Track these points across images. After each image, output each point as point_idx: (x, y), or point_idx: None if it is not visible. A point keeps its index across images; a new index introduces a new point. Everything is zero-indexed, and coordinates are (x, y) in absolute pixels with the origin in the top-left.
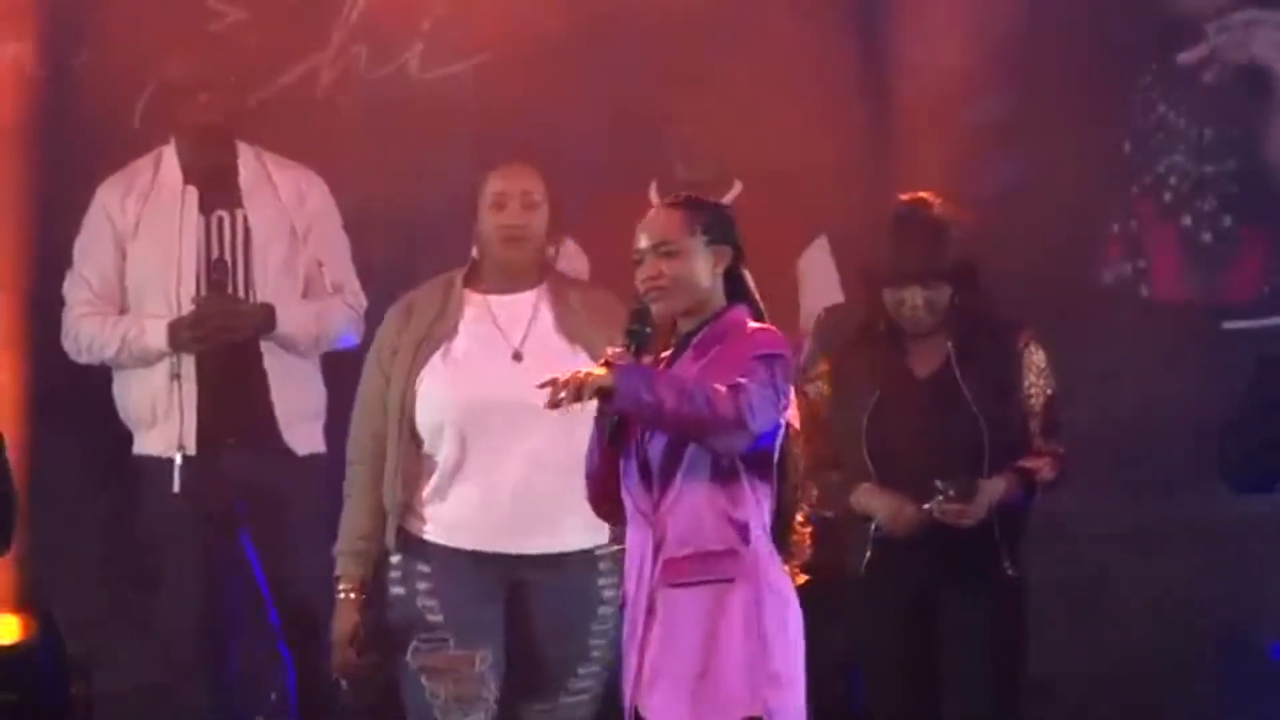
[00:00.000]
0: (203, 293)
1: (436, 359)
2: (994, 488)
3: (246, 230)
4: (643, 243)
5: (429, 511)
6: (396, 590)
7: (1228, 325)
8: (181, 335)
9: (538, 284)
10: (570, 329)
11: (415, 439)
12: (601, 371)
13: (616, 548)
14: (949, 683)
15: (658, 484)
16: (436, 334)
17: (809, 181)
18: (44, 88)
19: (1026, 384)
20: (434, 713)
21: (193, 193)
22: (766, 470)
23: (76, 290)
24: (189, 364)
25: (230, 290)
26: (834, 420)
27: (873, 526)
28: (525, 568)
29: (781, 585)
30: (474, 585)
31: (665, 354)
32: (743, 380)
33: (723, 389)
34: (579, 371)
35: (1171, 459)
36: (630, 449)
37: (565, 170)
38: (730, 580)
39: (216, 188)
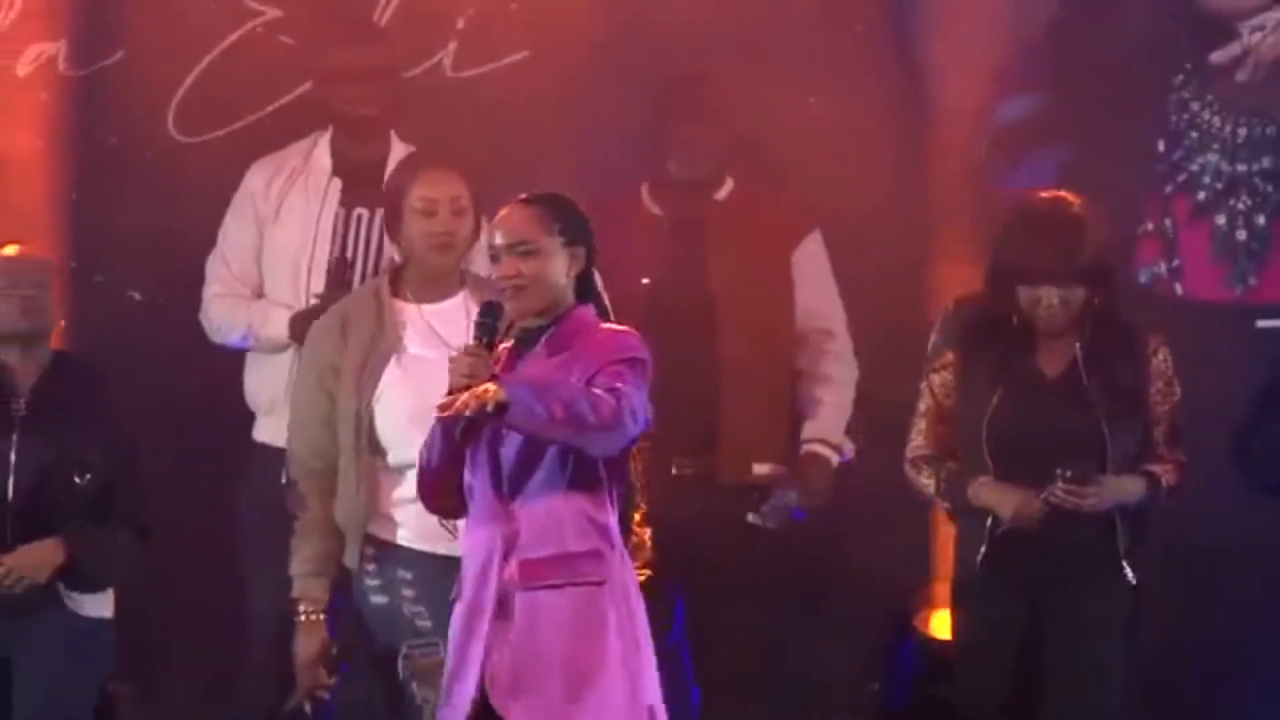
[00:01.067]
0: (326, 288)
1: (392, 370)
2: (1120, 484)
3: (382, 230)
4: (499, 240)
5: (402, 518)
6: (377, 600)
7: (1262, 324)
8: (300, 329)
9: (460, 289)
10: None
11: (378, 451)
12: (495, 387)
13: None
14: (1055, 684)
15: (509, 483)
16: (383, 348)
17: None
18: (78, 87)
19: (1154, 390)
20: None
21: (337, 185)
22: (619, 472)
23: (215, 268)
24: None
25: (351, 289)
26: (956, 412)
27: (989, 522)
28: None
29: (637, 586)
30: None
31: (504, 345)
32: (619, 385)
33: (603, 394)
34: (476, 389)
35: (1205, 458)
36: (479, 446)
37: (592, 170)
38: (600, 583)
39: (362, 183)
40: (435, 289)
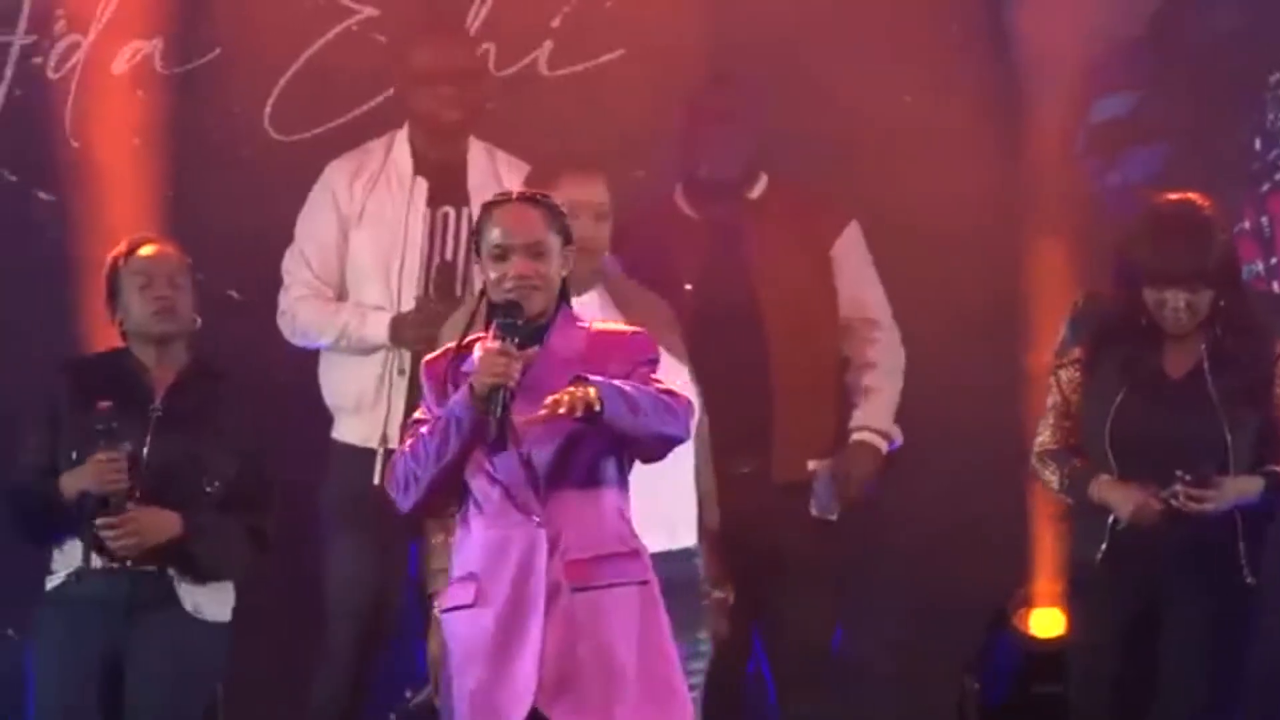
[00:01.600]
0: (428, 292)
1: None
2: (1241, 484)
3: (471, 227)
4: (513, 239)
5: None
6: None
7: None
8: (404, 334)
9: (595, 286)
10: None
11: None
12: (591, 390)
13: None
14: (1165, 682)
15: (547, 483)
16: None
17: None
18: (174, 85)
19: (1277, 391)
20: None
21: (422, 185)
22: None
23: (296, 269)
24: (407, 360)
25: (457, 294)
26: (1081, 410)
27: (1110, 519)
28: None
29: None
30: None
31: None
32: (671, 388)
33: (668, 399)
34: (574, 391)
35: None
36: (503, 440)
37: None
38: (646, 582)
39: (446, 182)
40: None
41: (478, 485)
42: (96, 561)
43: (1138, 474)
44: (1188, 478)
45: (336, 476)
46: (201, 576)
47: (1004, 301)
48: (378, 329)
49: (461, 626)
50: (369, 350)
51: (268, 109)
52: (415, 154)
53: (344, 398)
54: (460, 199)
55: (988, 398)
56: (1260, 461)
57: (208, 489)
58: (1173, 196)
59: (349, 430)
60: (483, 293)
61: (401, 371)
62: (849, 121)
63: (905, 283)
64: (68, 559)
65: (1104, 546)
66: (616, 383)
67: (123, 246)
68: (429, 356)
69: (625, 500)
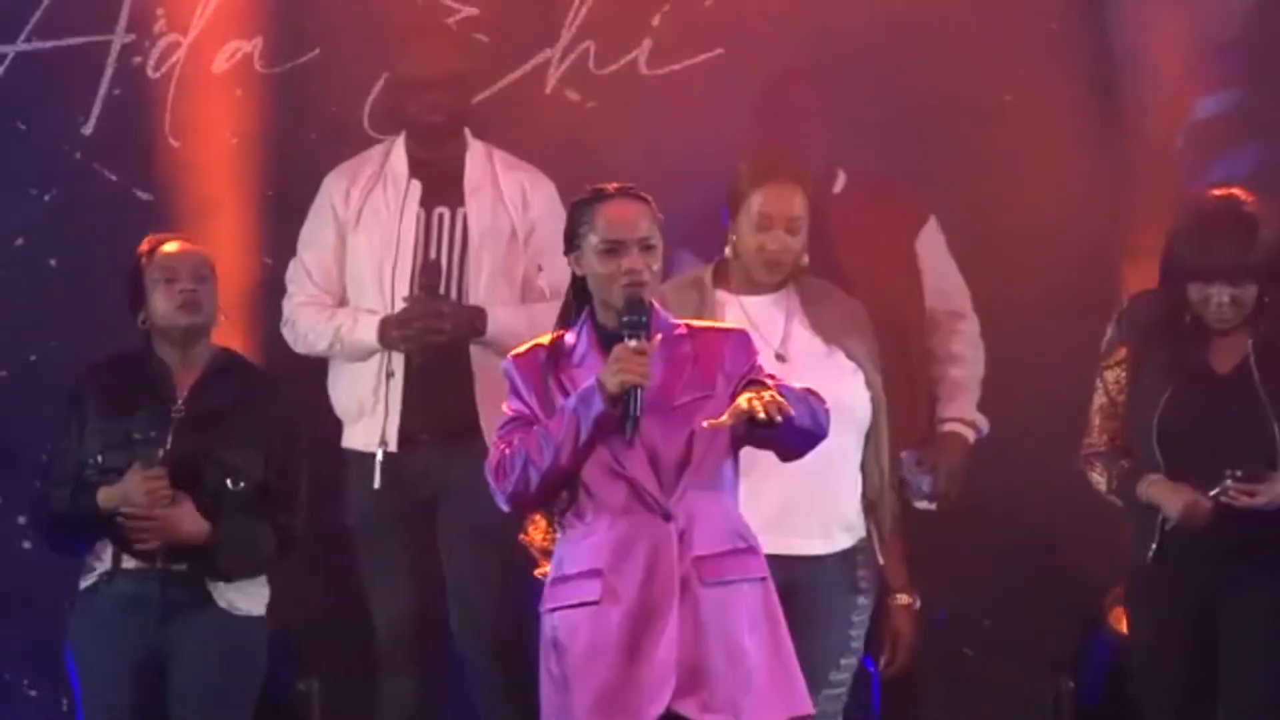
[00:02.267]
0: (415, 291)
1: None
2: None
3: (465, 229)
4: (625, 233)
5: None
6: None
7: None
8: (390, 334)
9: (785, 284)
10: (825, 330)
11: None
12: (779, 395)
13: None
14: (1226, 681)
15: (671, 475)
16: None
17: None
18: (273, 86)
19: None
20: None
21: (416, 186)
22: None
23: (298, 278)
24: (400, 362)
25: (443, 292)
26: (1128, 409)
27: (1160, 518)
28: (797, 567)
29: None
30: None
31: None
32: (815, 390)
33: (816, 398)
34: (762, 395)
35: None
36: (631, 442)
37: None
38: (765, 578)
39: (441, 184)
40: (759, 286)
41: (601, 481)
42: (128, 562)
43: (1186, 471)
44: (1238, 474)
45: (352, 484)
46: (225, 576)
47: (1101, 297)
48: (368, 331)
49: (585, 623)
50: (364, 354)
51: (366, 108)
52: (411, 157)
53: (348, 405)
54: (455, 199)
55: (1083, 393)
56: None
57: (233, 488)
58: (1217, 192)
59: (354, 437)
60: (575, 287)
61: (390, 374)
62: (949, 118)
63: (1003, 277)
64: (99, 560)
65: (1154, 546)
66: (794, 386)
67: (145, 245)
68: (516, 352)
69: (738, 496)
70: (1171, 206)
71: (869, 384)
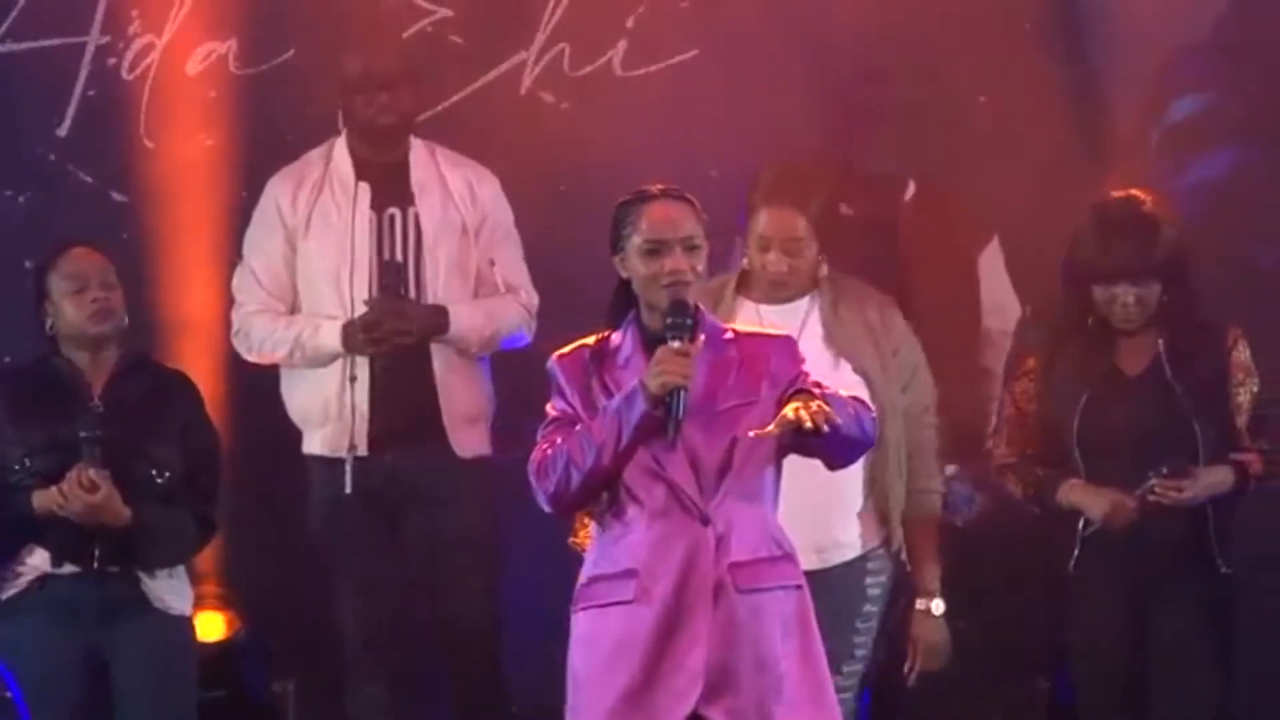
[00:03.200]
0: (375, 294)
1: None
2: (1213, 475)
3: (418, 229)
4: (668, 234)
5: None
6: None
7: None
8: (355, 338)
9: (810, 290)
10: (838, 342)
11: None
12: (827, 406)
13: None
14: (1157, 678)
15: (711, 479)
16: None
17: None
18: (248, 87)
19: (1234, 382)
20: None
21: (365, 189)
22: None
23: (246, 287)
24: (363, 366)
25: (402, 292)
26: (1042, 418)
27: (1081, 524)
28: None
29: None
30: None
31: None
32: (861, 397)
33: (863, 406)
34: (809, 404)
35: None
36: (669, 447)
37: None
38: (800, 586)
39: (388, 184)
40: (779, 294)
41: (641, 483)
42: (64, 566)
43: (1108, 474)
44: (1164, 470)
45: (317, 491)
46: (148, 565)
47: None
48: (331, 337)
49: (616, 622)
50: (325, 360)
51: (342, 109)
52: (355, 159)
53: (309, 412)
54: (405, 200)
55: None
56: (1222, 452)
57: (158, 480)
58: (1117, 193)
59: (318, 443)
60: (622, 287)
61: (353, 378)
62: (923, 118)
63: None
64: (27, 567)
65: (1076, 553)
66: (840, 393)
67: (49, 250)
68: (561, 352)
69: (777, 503)
70: None
71: (875, 397)
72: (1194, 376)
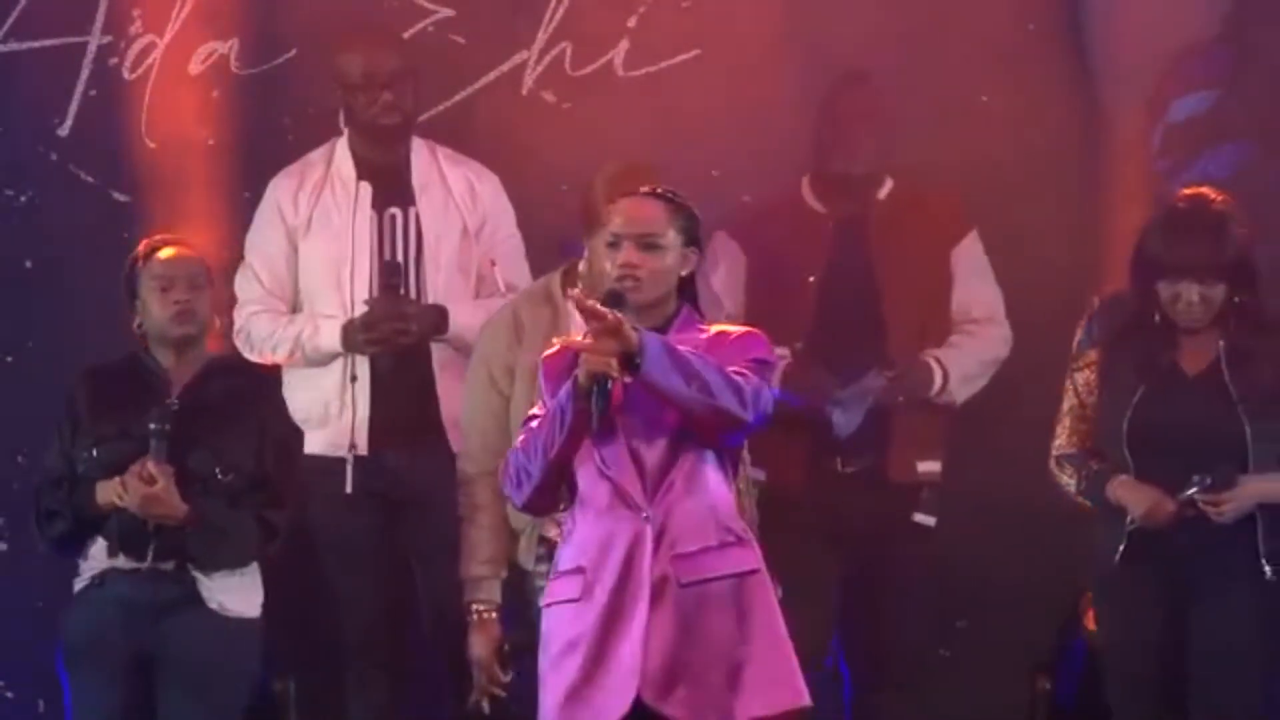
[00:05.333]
0: (375, 294)
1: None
2: (1259, 485)
3: (419, 228)
4: (625, 228)
5: None
6: None
7: None
8: (355, 338)
9: None
10: None
11: None
12: (634, 333)
13: None
14: (1196, 681)
15: (655, 473)
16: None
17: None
18: (250, 87)
19: None
20: None
21: (366, 189)
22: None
23: (248, 286)
24: (364, 365)
25: (403, 291)
26: (1098, 411)
27: (1128, 519)
28: None
29: None
30: None
31: None
32: (745, 372)
33: (738, 379)
34: (618, 318)
35: None
36: (611, 439)
37: (762, 168)
38: (756, 570)
39: (390, 184)
40: None
41: (587, 479)
42: (121, 562)
43: (1156, 473)
44: (1207, 482)
45: (315, 490)
46: (200, 564)
47: (1079, 298)
48: (330, 337)
49: (565, 620)
50: (325, 360)
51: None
52: (357, 159)
53: (310, 411)
54: (406, 199)
55: (1060, 395)
56: (1276, 458)
57: (220, 477)
58: (1188, 191)
59: (318, 443)
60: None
61: (354, 378)
62: (926, 119)
63: None
64: (92, 562)
65: (1122, 548)
66: (680, 348)
67: (141, 249)
68: (547, 353)
69: (733, 490)
70: (1149, 207)
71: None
72: (1252, 379)
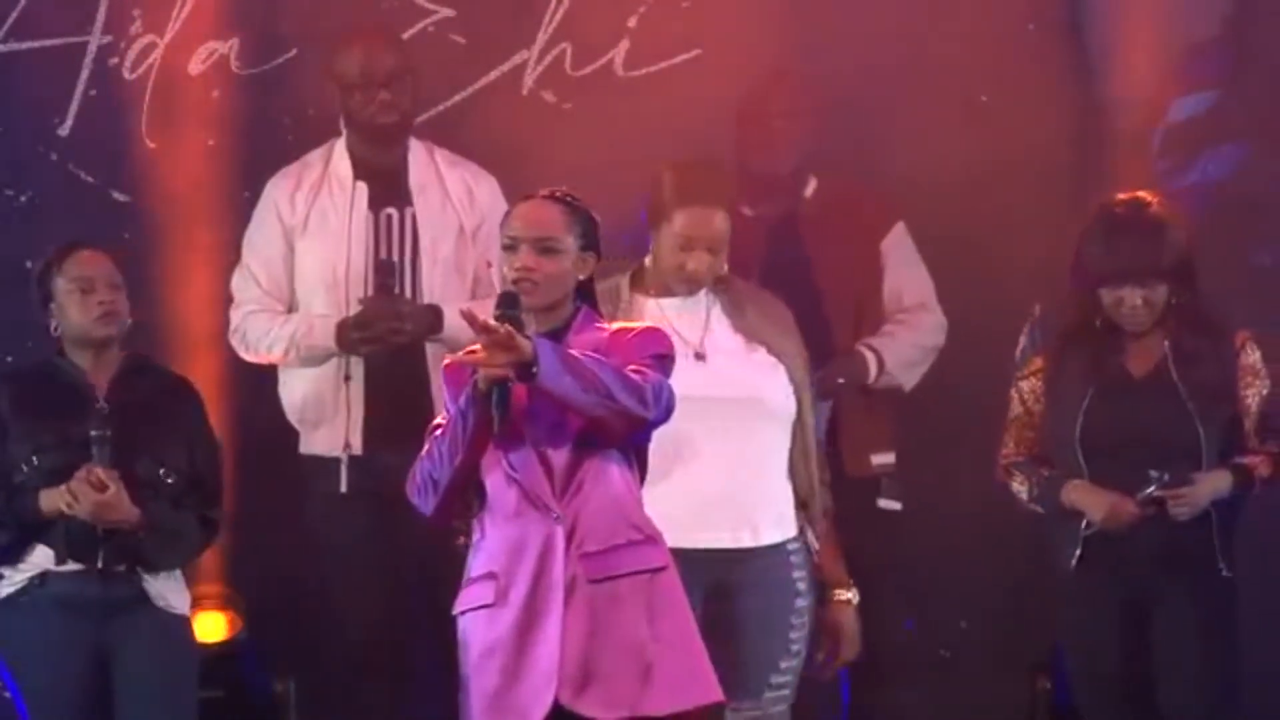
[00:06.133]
0: (370, 293)
1: None
2: (1214, 480)
3: (415, 229)
4: (521, 231)
5: None
6: None
7: None
8: (349, 337)
9: (708, 284)
10: (745, 328)
11: None
12: (526, 343)
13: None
14: (1161, 683)
15: (562, 475)
16: None
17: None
18: (250, 87)
19: (1243, 384)
20: None
21: (363, 189)
22: (646, 462)
23: (245, 286)
24: (358, 365)
25: (397, 291)
26: (1047, 417)
27: (1083, 524)
28: (724, 564)
29: None
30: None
31: None
32: (645, 370)
33: (632, 375)
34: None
35: None
36: (518, 444)
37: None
38: (664, 567)
39: (387, 184)
40: (693, 289)
41: (495, 484)
42: (69, 564)
43: (1110, 476)
44: (1164, 478)
45: (312, 490)
46: (154, 566)
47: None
48: (325, 336)
49: (481, 625)
50: (320, 359)
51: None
52: (354, 159)
53: (305, 411)
54: (402, 200)
55: None
56: (1228, 455)
57: (167, 481)
58: (1124, 195)
59: (314, 442)
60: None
61: (348, 377)
62: (925, 118)
63: (979, 277)
64: (25, 564)
65: (1077, 552)
66: (573, 352)
67: (53, 253)
68: (449, 359)
69: (639, 487)
70: None
71: (792, 379)
72: (1199, 379)
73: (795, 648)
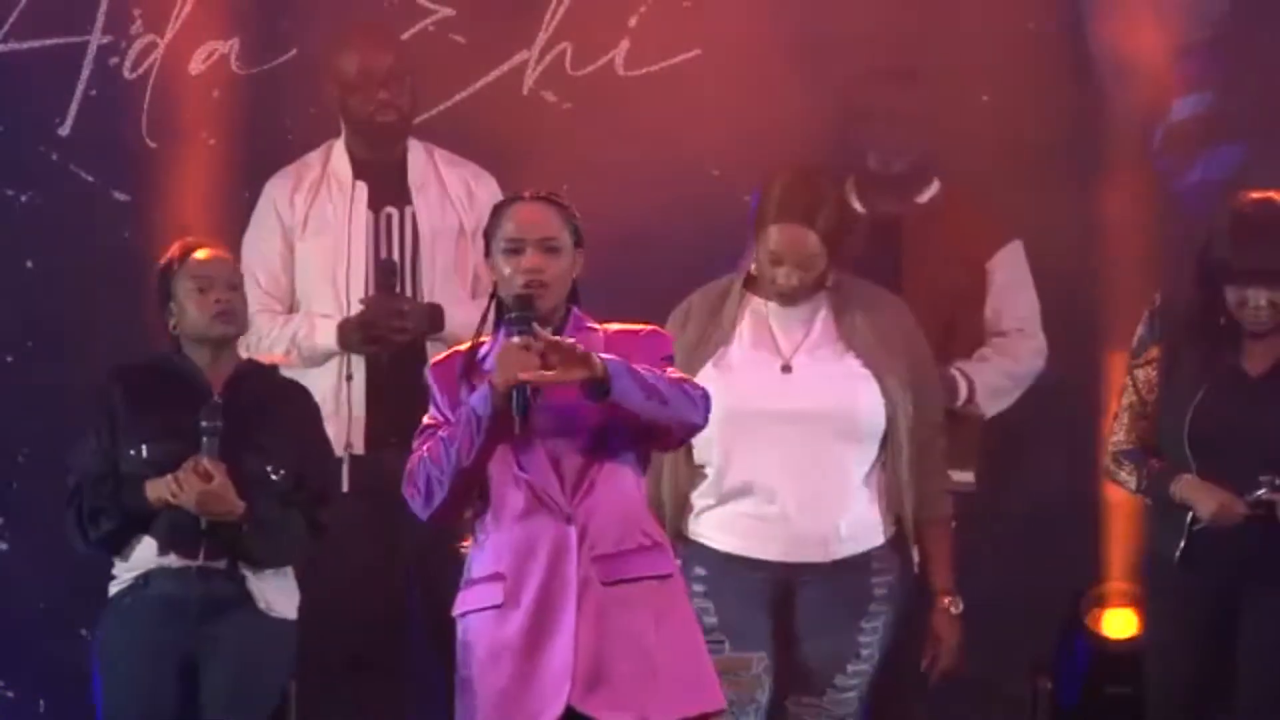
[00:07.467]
0: (371, 293)
1: (709, 367)
2: None
3: (415, 228)
4: (527, 234)
5: (703, 518)
6: None
7: None
8: (350, 336)
9: (819, 291)
10: (847, 338)
11: (687, 446)
12: (598, 358)
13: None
14: (1244, 693)
15: (574, 477)
16: (713, 339)
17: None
18: (250, 86)
19: None
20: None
21: (362, 189)
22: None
23: (247, 287)
24: (359, 364)
25: (398, 290)
26: (1159, 408)
27: (1189, 518)
28: (799, 574)
29: None
30: (748, 590)
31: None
32: (688, 376)
33: (687, 386)
34: (580, 347)
35: None
36: (527, 444)
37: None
38: (671, 575)
39: (386, 184)
40: (789, 303)
41: (505, 486)
42: (171, 560)
43: (1217, 473)
44: (1276, 482)
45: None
46: (257, 562)
47: (1080, 299)
48: (326, 336)
49: (488, 627)
50: (321, 359)
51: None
52: (353, 159)
53: None
54: (402, 199)
55: (1063, 396)
56: None
57: (274, 477)
58: (1255, 195)
59: None
60: (493, 293)
61: (349, 377)
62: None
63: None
64: (131, 563)
65: (1182, 545)
66: (636, 366)
67: (175, 249)
68: (435, 359)
69: (644, 494)
70: (1149, 207)
71: (886, 392)
72: None
73: (866, 652)
